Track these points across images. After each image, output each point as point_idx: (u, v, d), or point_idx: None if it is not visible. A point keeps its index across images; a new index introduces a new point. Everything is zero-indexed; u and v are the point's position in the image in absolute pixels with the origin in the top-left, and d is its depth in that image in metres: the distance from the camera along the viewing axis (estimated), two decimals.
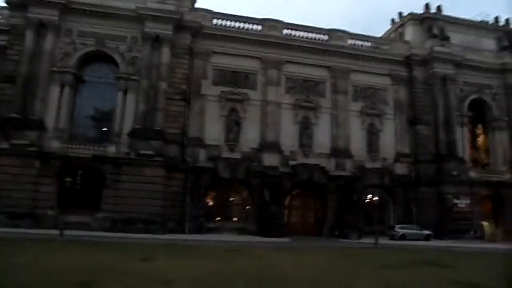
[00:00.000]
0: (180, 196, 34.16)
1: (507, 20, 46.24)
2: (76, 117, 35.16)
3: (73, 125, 34.74)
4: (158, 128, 33.67)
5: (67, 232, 26.10)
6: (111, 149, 32.68)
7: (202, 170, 35.05)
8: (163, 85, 34.71)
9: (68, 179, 32.30)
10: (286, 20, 40.96)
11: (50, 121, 32.83)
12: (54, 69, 33.49)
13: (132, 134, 33.18)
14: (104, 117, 35.48)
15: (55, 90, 33.40)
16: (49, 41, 33.48)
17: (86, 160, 31.79)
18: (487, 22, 46.17)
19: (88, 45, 34.67)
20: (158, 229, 31.27)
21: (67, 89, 33.78)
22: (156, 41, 35.16)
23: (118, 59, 35.00)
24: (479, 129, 44.76)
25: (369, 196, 30.65)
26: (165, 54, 35.24)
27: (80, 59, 34.75)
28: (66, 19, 34.36)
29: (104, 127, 35.30)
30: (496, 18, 46.28)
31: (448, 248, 29.88)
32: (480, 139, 44.75)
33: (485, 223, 40.98)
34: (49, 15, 33.52)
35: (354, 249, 24.56)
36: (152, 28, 34.99)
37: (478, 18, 46.32)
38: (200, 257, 17.75)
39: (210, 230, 34.69)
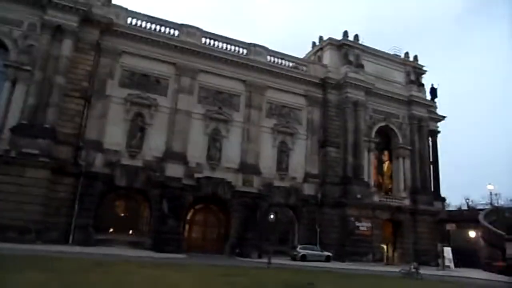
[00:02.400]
0: (68, 203, 30.82)
1: (415, 57, 49.34)
2: None
3: None
4: (47, 126, 30.26)
5: None
6: None
7: (96, 176, 32.10)
8: (60, 80, 31.53)
9: None
10: (206, 28, 39.90)
11: None
12: None
13: (16, 130, 29.44)
14: None
15: None
16: None
17: None
18: (398, 56, 48.85)
19: None
20: (34, 239, 27.69)
21: None
22: (58, 31, 32.06)
23: (10, 45, 31.29)
24: (385, 156, 46.60)
25: (271, 215, 29.85)
26: (67, 46, 32.20)
27: None
28: None
29: None
30: (406, 53, 49.23)
31: (339, 270, 29.74)
32: (386, 165, 46.56)
33: (384, 246, 42.38)
34: None
35: (240, 269, 23.28)
36: (54, 16, 31.89)
37: (392, 51, 48.83)
38: (46, 270, 15.30)
39: (100, 242, 31.56)
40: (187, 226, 36.64)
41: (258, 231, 36.14)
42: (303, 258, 35.12)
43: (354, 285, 19.15)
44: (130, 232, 34.26)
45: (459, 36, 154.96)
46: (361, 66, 44.32)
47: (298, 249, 35.97)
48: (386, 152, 46.61)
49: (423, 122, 46.67)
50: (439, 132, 49.89)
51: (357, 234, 39.05)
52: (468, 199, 55.54)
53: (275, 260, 33.19)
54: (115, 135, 34.13)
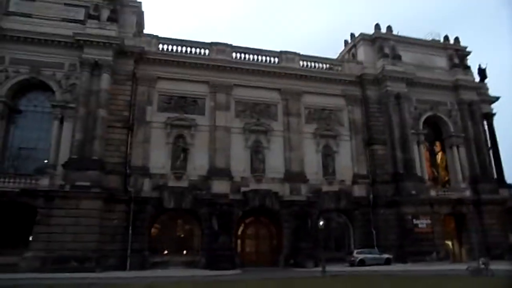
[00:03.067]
0: (122, 230, 31.82)
1: (456, 39, 46.66)
2: (10, 149, 33.02)
3: (5, 158, 32.52)
4: (96, 158, 31.70)
5: None
6: (44, 182, 30.47)
7: (145, 200, 32.99)
8: (102, 113, 33.01)
9: None
10: (236, 43, 40.23)
11: None
12: None
13: (68, 164, 31.10)
14: (40, 148, 33.30)
15: None
16: None
17: (14, 195, 29.42)
18: (438, 41, 46.43)
19: (21, 73, 32.99)
20: (94, 267, 28.80)
21: None
22: (96, 67, 33.80)
23: (54, 86, 33.37)
24: (437, 147, 44.09)
25: (321, 222, 29.06)
26: (105, 80, 33.78)
27: (14, 88, 33.00)
28: None
29: (40, 159, 33.10)
30: (446, 37, 46.66)
31: (404, 272, 28.16)
32: (439, 157, 44.00)
33: (448, 243, 39.79)
34: None
35: (292, 280, 22.61)
36: (90, 54, 33.68)
37: (429, 37, 46.54)
38: None
39: (156, 265, 32.30)
40: (239, 241, 36.59)
41: (311, 239, 35.21)
42: (361, 263, 33.73)
43: None
44: (184, 252, 34.65)
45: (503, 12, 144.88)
46: (398, 57, 42.54)
47: (354, 253, 34.62)
48: (437, 143, 44.09)
49: (474, 106, 43.71)
50: (494, 114, 46.47)
51: (416, 232, 36.90)
52: None
53: (332, 268, 32.28)
54: (159, 159, 34.97)
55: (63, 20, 34.78)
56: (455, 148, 42.51)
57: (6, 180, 29.93)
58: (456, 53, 45.82)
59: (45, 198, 29.84)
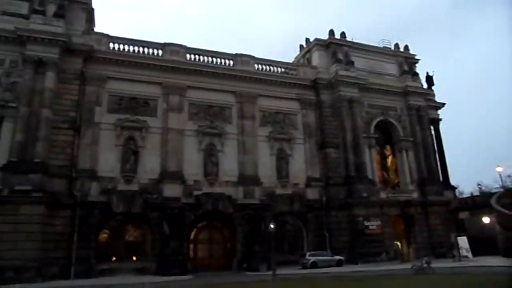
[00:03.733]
0: (67, 236, 30.21)
1: (405, 47, 48.53)
2: None
3: None
4: (38, 160, 29.91)
5: None
6: None
7: (92, 205, 31.56)
8: (46, 113, 31.29)
9: None
10: (189, 45, 39.61)
11: None
12: None
13: (6, 167, 29.18)
14: None
15: None
16: None
17: None
18: (389, 48, 48.06)
19: None
20: (33, 277, 27.09)
21: None
22: (40, 65, 32.03)
23: None
24: (388, 150, 45.46)
25: (271, 225, 29.07)
26: (50, 79, 32.07)
27: None
28: None
29: None
30: (396, 45, 48.42)
31: (353, 273, 28.69)
32: (389, 160, 45.36)
33: (398, 243, 41.04)
34: None
35: (240, 284, 22.32)
36: (34, 51, 31.87)
37: (381, 44, 48.05)
38: None
39: (103, 273, 31.05)
40: (191, 246, 35.91)
41: (264, 242, 35.07)
42: (314, 265, 34.08)
43: None
44: (134, 258, 33.56)
45: (456, 23, 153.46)
46: (351, 63, 43.59)
47: (307, 256, 34.92)
48: (388, 147, 45.47)
49: (422, 112, 45.56)
50: (440, 119, 48.72)
51: (367, 234, 37.77)
52: (480, 185, 53.82)
53: (285, 271, 32.43)
54: (108, 161, 33.66)
55: (4, 13, 32.72)
56: (404, 152, 44.04)
57: None
58: (406, 60, 47.63)
59: None
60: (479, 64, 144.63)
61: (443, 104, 48.96)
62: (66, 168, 31.77)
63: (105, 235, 33.31)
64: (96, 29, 40.14)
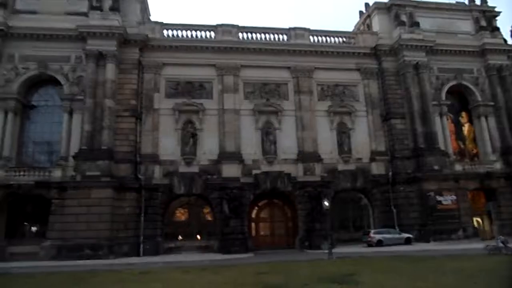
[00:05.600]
0: (135, 217, 32.29)
1: None
2: (25, 144, 34.20)
3: (21, 152, 33.74)
4: (105, 148, 32.16)
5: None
6: (56, 174, 31.39)
7: (156, 187, 33.22)
8: (109, 103, 33.30)
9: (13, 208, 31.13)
10: (241, 23, 39.15)
11: None
12: None
13: (78, 156, 31.79)
14: (52, 141, 34.22)
15: None
16: None
17: (29, 187, 30.50)
18: (462, 3, 42.88)
19: (30, 69, 33.79)
20: (107, 254, 29.52)
21: (10, 116, 32.84)
22: (100, 58, 33.99)
23: (62, 80, 33.98)
24: (463, 118, 41.10)
25: (325, 202, 28.14)
26: (110, 70, 33.95)
27: (25, 84, 33.88)
28: (7, 45, 33.68)
29: (54, 152, 34.06)
30: None
31: (420, 252, 26.70)
32: (466, 128, 41.02)
33: (478, 220, 37.46)
34: None
35: (292, 264, 21.84)
36: (94, 45, 33.86)
37: (453, 0, 43.04)
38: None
39: (170, 251, 32.80)
40: (253, 224, 36.23)
41: (326, 220, 34.12)
42: (379, 243, 32.46)
43: (409, 271, 16.63)
44: (198, 237, 34.78)
45: None
46: (416, 25, 39.69)
47: (371, 233, 33.33)
48: (464, 114, 41.09)
49: (505, 71, 40.16)
50: None
51: (440, 209, 34.83)
52: None
53: (350, 249, 31.40)
54: (169, 145, 35.00)
55: (67, 13, 35.02)
56: (483, 119, 39.51)
57: (22, 173, 31.02)
58: (483, 15, 42.14)
59: (58, 189, 30.74)
60: None
61: None
62: (130, 153, 33.70)
63: (170, 215, 34.85)
64: (152, 18, 41.50)
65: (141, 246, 31.62)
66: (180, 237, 34.45)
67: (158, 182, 33.49)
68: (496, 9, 42.71)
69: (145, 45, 36.17)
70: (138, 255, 31.13)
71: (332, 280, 14.41)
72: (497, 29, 41.87)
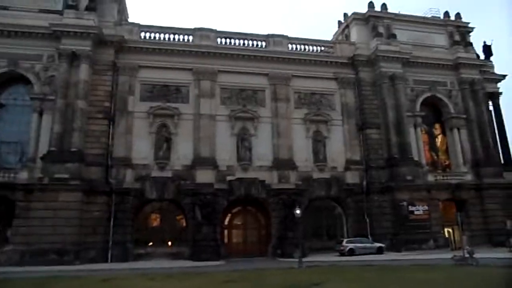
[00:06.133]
0: (104, 222, 31.39)
1: (457, 15, 43.97)
2: None
3: None
4: (75, 150, 31.27)
5: None
6: (23, 175, 30.40)
7: (127, 191, 32.44)
8: (81, 104, 32.47)
9: None
10: (220, 28, 38.99)
11: None
12: None
13: (46, 157, 30.81)
14: (22, 142, 33.10)
15: None
16: None
17: None
18: (437, 18, 43.87)
19: (0, 66, 32.74)
20: (73, 260, 28.58)
21: None
22: (74, 58, 33.19)
23: (33, 79, 33.01)
24: (437, 129, 41.82)
25: (297, 211, 28.14)
26: (84, 71, 33.17)
27: None
28: None
29: (22, 152, 32.96)
30: (446, 13, 44.01)
31: (390, 262, 26.80)
32: (439, 140, 41.74)
33: (448, 230, 37.97)
34: None
35: (259, 272, 21.54)
36: (68, 44, 33.07)
37: (428, 14, 44.00)
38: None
39: (139, 257, 31.96)
40: (226, 232, 35.81)
41: (298, 228, 33.97)
42: (351, 252, 32.45)
43: (374, 281, 16.58)
44: (169, 243, 34.10)
45: None
46: (393, 36, 40.38)
47: (344, 243, 33.32)
48: (437, 125, 41.82)
49: (477, 85, 41.21)
50: (500, 93, 43.71)
51: (412, 219, 35.22)
52: None
53: (322, 257, 31.32)
54: (142, 149, 34.35)
55: (41, 11, 34.22)
56: (455, 131, 40.34)
57: None
58: (457, 30, 43.24)
59: (24, 191, 29.70)
60: None
61: (504, 76, 43.81)
62: (101, 156, 32.87)
63: (140, 221, 34.09)
64: (130, 19, 40.84)
65: (109, 251, 30.75)
66: (151, 243, 33.66)
67: (129, 186, 32.72)
68: (470, 25, 43.86)
69: (121, 47, 35.58)
70: (106, 261, 30.25)
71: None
72: (470, 44, 43.04)
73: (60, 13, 34.40)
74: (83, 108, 32.57)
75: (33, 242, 28.32)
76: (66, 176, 30.29)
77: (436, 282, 15.71)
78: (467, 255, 23.08)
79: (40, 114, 32.42)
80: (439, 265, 22.81)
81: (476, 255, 23.14)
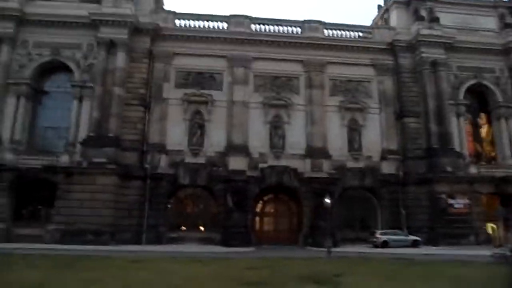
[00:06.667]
0: (138, 205, 32.46)
1: None
2: (37, 128, 34.81)
3: (32, 136, 34.33)
4: (112, 135, 32.38)
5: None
6: (64, 159, 31.84)
7: (161, 177, 33.24)
8: (118, 91, 33.45)
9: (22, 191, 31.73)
10: (254, 15, 38.65)
11: (5, 133, 32.51)
12: (9, 81, 33.29)
13: (85, 142, 32.14)
14: (63, 127, 34.67)
15: (11, 102, 33.11)
16: (4, 53, 33.46)
17: (37, 171, 31.02)
18: None
19: (43, 55, 34.28)
20: (109, 241, 29.75)
21: (23, 101, 33.42)
22: (111, 46, 34.15)
23: (73, 67, 34.34)
24: (482, 119, 39.38)
25: (327, 200, 27.64)
26: (121, 58, 34.07)
27: (38, 70, 34.37)
28: (22, 31, 34.24)
29: (64, 137, 34.52)
30: None
31: (424, 256, 25.76)
32: (485, 130, 39.31)
33: (490, 226, 35.97)
34: (4, 28, 33.57)
35: (286, 260, 21.35)
36: (106, 33, 34.03)
37: None
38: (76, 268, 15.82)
39: (172, 241, 32.75)
40: (257, 219, 35.90)
41: (331, 218, 33.46)
42: (385, 244, 31.52)
43: (400, 276, 15.92)
44: (202, 228, 34.69)
45: None
46: (436, 20, 38.19)
47: (377, 234, 32.43)
48: (483, 115, 39.37)
49: None
50: None
51: (451, 213, 33.58)
52: None
53: (353, 249, 30.64)
54: (176, 135, 34.98)
55: (81, 1, 35.41)
56: (503, 120, 37.81)
57: (31, 157, 31.67)
58: (509, 11, 40.16)
59: (65, 174, 31.12)
60: None
61: None
62: (137, 142, 33.84)
63: (174, 205, 34.89)
64: (166, 7, 41.31)
65: (144, 234, 31.75)
66: (184, 228, 34.42)
67: (163, 172, 33.51)
68: None
69: (156, 34, 36.14)
70: (140, 243, 31.26)
71: (315, 280, 13.86)
72: None
73: (98, 2, 35.34)
74: (120, 95, 33.54)
75: (72, 222, 29.72)
76: (103, 160, 31.46)
77: (467, 280, 14.83)
78: (508, 253, 21.65)
79: (80, 100, 33.75)
80: (475, 262, 21.56)
81: None
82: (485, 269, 18.88)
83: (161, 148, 34.33)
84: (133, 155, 33.47)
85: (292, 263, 20.19)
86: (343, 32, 39.17)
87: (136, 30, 35.13)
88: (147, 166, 33.34)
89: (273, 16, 40.19)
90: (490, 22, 40.07)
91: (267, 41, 37.42)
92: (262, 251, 28.63)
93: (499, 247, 28.39)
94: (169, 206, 34.20)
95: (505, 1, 40.67)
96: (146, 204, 32.37)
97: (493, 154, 38.63)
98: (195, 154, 34.72)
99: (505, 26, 39.49)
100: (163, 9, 39.66)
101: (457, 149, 35.81)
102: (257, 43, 37.40)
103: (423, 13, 38.51)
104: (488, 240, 33.94)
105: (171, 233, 33.18)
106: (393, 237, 32.15)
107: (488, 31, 39.71)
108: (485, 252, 26.70)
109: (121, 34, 34.16)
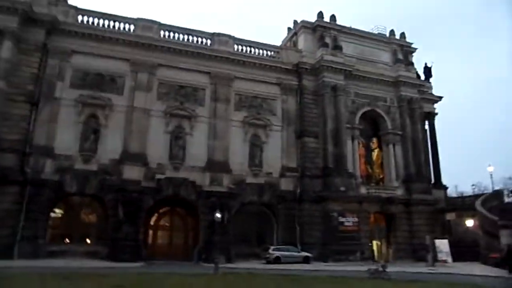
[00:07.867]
0: (14, 214, 28.86)
1: (402, 34, 45.20)
2: None
3: None
4: None
5: None
6: None
7: (44, 183, 30.04)
8: (1, 84, 29.88)
9: None
10: (164, 21, 37.58)
11: None
12: None
13: None
14: None
15: None
16: None
17: None
18: (383, 35, 44.87)
19: None
20: None
21: None
22: None
23: None
24: (374, 143, 42.49)
25: (217, 214, 27.30)
26: (7, 49, 30.55)
27: None
28: None
29: None
30: (392, 31, 45.13)
31: (307, 272, 26.48)
32: (375, 154, 42.39)
33: (375, 243, 38.51)
34: None
35: (171, 277, 20.34)
36: None
37: (375, 31, 44.92)
38: None
39: (52, 255, 29.46)
40: (151, 232, 34.23)
41: (226, 233, 33.10)
42: (277, 260, 31.86)
43: None
44: (89, 241, 32.01)
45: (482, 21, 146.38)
46: (339, 48, 40.70)
47: (270, 250, 32.72)
48: (374, 140, 42.51)
49: (414, 104, 42.38)
50: (436, 114, 45.34)
51: (342, 230, 35.36)
52: (475, 185, 50.58)
53: (245, 264, 30.44)
54: (66, 139, 32.04)
55: None
56: (391, 146, 41.17)
57: None
58: (401, 49, 44.40)
59: None
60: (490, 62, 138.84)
61: (440, 98, 45.52)
62: (19, 142, 30.25)
63: (58, 216, 31.80)
64: (70, 1, 38.32)
65: (16, 247, 28.20)
66: (67, 240, 31.42)
67: (47, 178, 30.36)
68: (413, 46, 45.21)
69: (53, 28, 33.18)
70: (11, 257, 27.68)
71: None
72: (412, 64, 44.29)
73: None
74: (2, 89, 29.95)
75: None
76: None
77: None
78: (380, 269, 23.09)
79: None
80: (353, 277, 22.64)
81: (395, 269, 23.26)
82: (359, 283, 19.87)
83: (48, 152, 31.16)
84: (13, 157, 29.79)
85: (170, 279, 19.21)
86: (253, 49, 39.79)
87: (30, 20, 31.93)
88: (28, 170, 30.00)
89: (184, 25, 38.53)
90: (385, 55, 43.81)
91: (175, 49, 36.49)
92: (150, 267, 27.22)
93: (375, 263, 30.41)
94: (52, 215, 31.03)
95: (397, 39, 44.80)
96: (22, 213, 28.93)
97: (381, 176, 41.69)
98: (87, 160, 32.15)
99: (397, 61, 43.48)
100: (65, 2, 36.70)
101: (350, 170, 38.00)
102: (164, 50, 36.28)
103: (328, 40, 40.80)
104: (371, 257, 36.26)
105: (52, 246, 29.96)
106: (285, 253, 32.69)
107: (383, 63, 43.32)
108: (365, 267, 28.36)
109: (10, 22, 30.74)
